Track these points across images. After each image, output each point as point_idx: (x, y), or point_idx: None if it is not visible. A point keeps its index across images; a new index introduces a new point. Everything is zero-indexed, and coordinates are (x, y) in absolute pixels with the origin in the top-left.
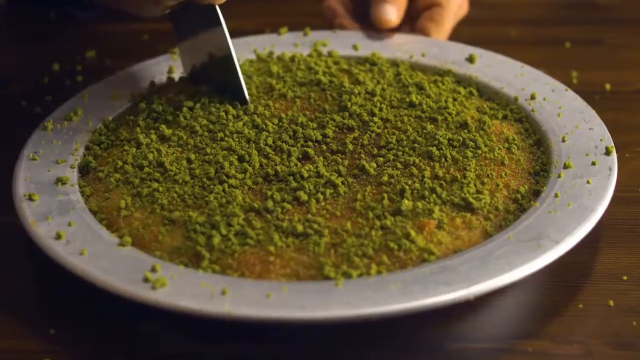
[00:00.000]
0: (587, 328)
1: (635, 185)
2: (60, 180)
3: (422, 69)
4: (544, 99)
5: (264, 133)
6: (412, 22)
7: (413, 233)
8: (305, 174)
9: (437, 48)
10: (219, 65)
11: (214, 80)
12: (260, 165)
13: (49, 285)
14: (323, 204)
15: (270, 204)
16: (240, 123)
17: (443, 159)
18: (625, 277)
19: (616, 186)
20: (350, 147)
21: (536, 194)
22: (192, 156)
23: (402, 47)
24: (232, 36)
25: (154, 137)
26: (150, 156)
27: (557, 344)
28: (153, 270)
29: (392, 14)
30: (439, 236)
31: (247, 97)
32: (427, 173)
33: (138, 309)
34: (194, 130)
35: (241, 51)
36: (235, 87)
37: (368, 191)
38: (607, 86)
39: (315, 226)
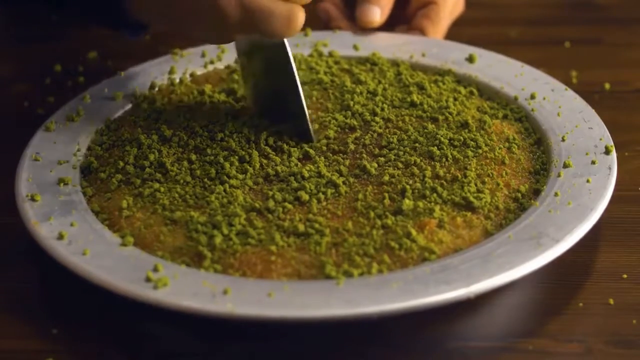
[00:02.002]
0: (587, 326)
1: (634, 184)
2: (62, 181)
3: (422, 69)
4: (544, 99)
5: (264, 133)
6: (408, 21)
7: (414, 232)
8: (306, 174)
9: (437, 48)
10: (284, 102)
11: (277, 114)
12: (261, 165)
13: (52, 285)
14: (324, 203)
15: (271, 203)
16: (240, 123)
17: (444, 159)
18: (625, 276)
19: (616, 185)
20: (352, 146)
21: (536, 193)
22: (193, 157)
23: (403, 47)
24: None
25: (155, 137)
26: (152, 157)
27: (558, 342)
28: (155, 269)
29: (376, 14)
30: (439, 235)
31: (313, 136)
32: (428, 172)
33: (140, 309)
34: (194, 130)
35: None
36: (300, 126)
37: (369, 191)
38: (607, 85)
39: (317, 226)
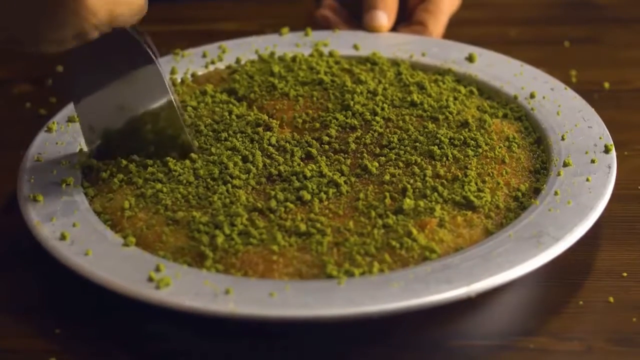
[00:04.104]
0: (588, 325)
1: (634, 182)
2: (64, 181)
3: (422, 69)
4: (544, 98)
5: (267, 133)
6: (408, 17)
7: (415, 231)
8: (308, 174)
9: (437, 47)
10: (151, 117)
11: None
12: (264, 165)
13: (54, 285)
14: (326, 203)
15: (273, 203)
16: (243, 122)
17: (444, 158)
18: (625, 274)
19: (615, 184)
20: (353, 146)
21: (536, 191)
22: (196, 156)
23: (403, 46)
24: (234, 37)
25: None
26: None
27: (558, 340)
28: (157, 269)
29: (383, 19)
30: (440, 234)
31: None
32: (429, 172)
33: (142, 309)
34: (198, 129)
35: (243, 51)
36: (177, 142)
37: (370, 190)
38: (606, 85)
39: (318, 225)
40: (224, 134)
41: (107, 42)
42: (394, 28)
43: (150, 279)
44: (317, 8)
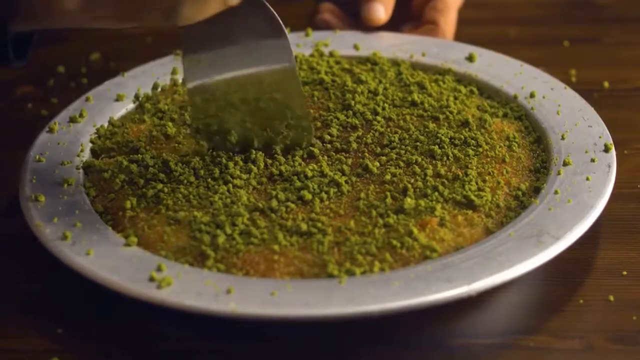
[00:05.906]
0: (588, 323)
1: (634, 181)
2: (66, 182)
3: (423, 68)
4: (543, 97)
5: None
6: (414, 17)
7: (415, 231)
8: (310, 174)
9: (437, 47)
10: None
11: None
12: (265, 165)
13: (56, 285)
14: (327, 202)
15: (274, 203)
16: None
17: (445, 158)
18: (625, 273)
19: (615, 183)
20: (354, 145)
21: (537, 191)
22: (197, 156)
23: (403, 46)
24: None
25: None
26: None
27: (558, 339)
28: (159, 269)
29: (381, 12)
30: (441, 233)
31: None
32: (430, 171)
33: (144, 308)
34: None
35: None
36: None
37: (371, 190)
38: (606, 84)
39: (319, 225)
40: None
41: (234, 13)
42: (399, 29)
43: (152, 279)
44: (317, 9)
